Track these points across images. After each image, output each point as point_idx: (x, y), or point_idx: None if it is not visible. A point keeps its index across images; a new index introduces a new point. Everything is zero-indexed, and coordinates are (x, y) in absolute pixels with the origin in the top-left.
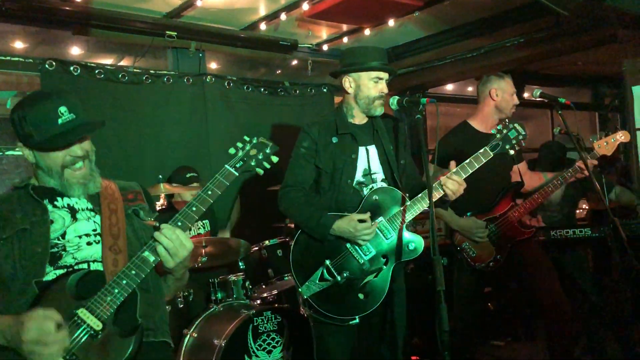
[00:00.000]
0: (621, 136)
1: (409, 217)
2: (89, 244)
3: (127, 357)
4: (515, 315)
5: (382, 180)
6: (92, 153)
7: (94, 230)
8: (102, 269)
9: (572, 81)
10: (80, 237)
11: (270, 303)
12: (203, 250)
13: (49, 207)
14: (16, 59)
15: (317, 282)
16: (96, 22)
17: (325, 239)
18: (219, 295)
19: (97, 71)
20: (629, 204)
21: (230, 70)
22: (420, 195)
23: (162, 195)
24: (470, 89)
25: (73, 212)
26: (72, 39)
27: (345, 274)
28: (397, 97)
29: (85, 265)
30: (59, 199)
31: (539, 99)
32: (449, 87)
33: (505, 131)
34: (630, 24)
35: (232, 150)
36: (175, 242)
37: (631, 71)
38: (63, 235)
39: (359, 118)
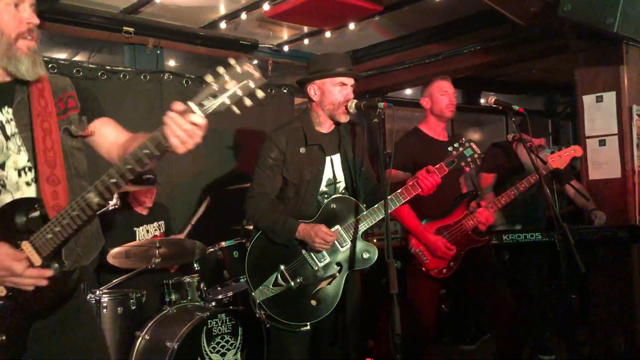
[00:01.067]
0: (574, 150)
1: (365, 226)
2: (28, 184)
3: (61, 294)
4: (468, 318)
5: (343, 189)
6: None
7: (28, 161)
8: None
9: (527, 89)
10: (19, 173)
11: (225, 305)
12: (157, 251)
13: None
14: None
15: (271, 286)
16: (50, 15)
17: (290, 242)
18: (173, 296)
19: (50, 65)
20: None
21: (188, 69)
22: (376, 206)
23: (116, 194)
24: None
25: (5, 136)
26: None
27: (299, 280)
28: (355, 101)
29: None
30: None
31: (494, 105)
32: (408, 92)
33: (461, 149)
34: (583, 34)
35: (208, 78)
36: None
37: (582, 81)
38: (2, 166)
39: (326, 125)
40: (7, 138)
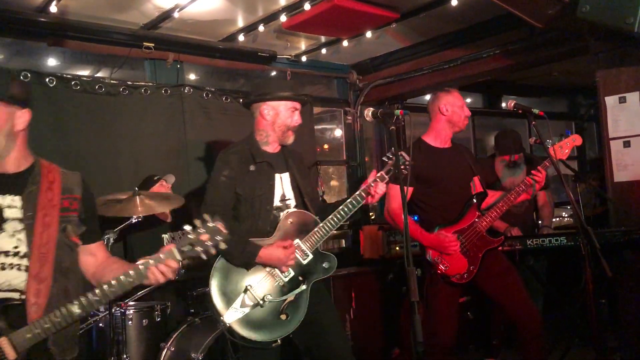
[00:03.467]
0: (574, 140)
1: (322, 238)
2: (3, 268)
3: None
4: (494, 324)
5: (295, 206)
6: (8, 125)
7: (16, 248)
8: (15, 297)
9: (548, 91)
10: None
11: None
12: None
13: None
14: None
15: (240, 307)
16: (72, 33)
17: (249, 267)
18: (197, 307)
19: (73, 82)
20: None
21: (208, 82)
22: (329, 217)
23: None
24: None
25: (1, 219)
26: (48, 50)
27: (267, 297)
28: (372, 109)
29: (9, 295)
30: None
31: (514, 109)
32: (427, 98)
33: (394, 158)
34: (603, 35)
35: (187, 227)
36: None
37: (604, 82)
38: None
39: (272, 146)
40: (3, 221)
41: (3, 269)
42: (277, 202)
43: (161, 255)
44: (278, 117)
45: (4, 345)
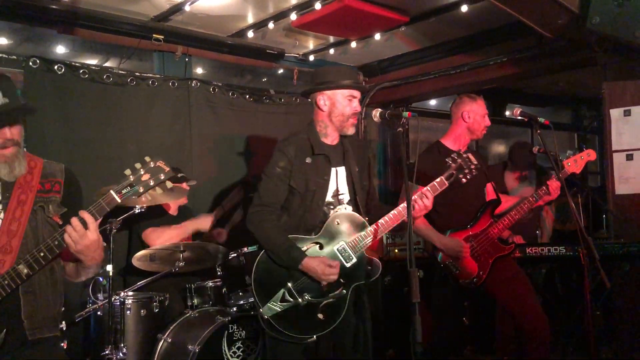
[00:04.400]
0: (589, 154)
1: (368, 242)
2: None
3: None
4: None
5: (348, 202)
6: (22, 140)
7: (1, 217)
8: None
9: (553, 101)
10: None
11: (247, 310)
12: (181, 255)
13: None
14: None
15: (279, 302)
16: (83, 21)
17: (291, 268)
18: (195, 300)
19: (81, 71)
20: None
21: (216, 76)
22: (380, 221)
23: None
24: None
25: None
26: (57, 38)
27: (306, 297)
28: (380, 110)
29: None
30: None
31: (519, 117)
32: (432, 102)
33: (459, 161)
34: (610, 48)
35: (127, 171)
36: (80, 232)
37: (610, 94)
38: None
39: (331, 137)
40: None
41: None
42: (329, 198)
43: (101, 201)
44: (335, 107)
45: None
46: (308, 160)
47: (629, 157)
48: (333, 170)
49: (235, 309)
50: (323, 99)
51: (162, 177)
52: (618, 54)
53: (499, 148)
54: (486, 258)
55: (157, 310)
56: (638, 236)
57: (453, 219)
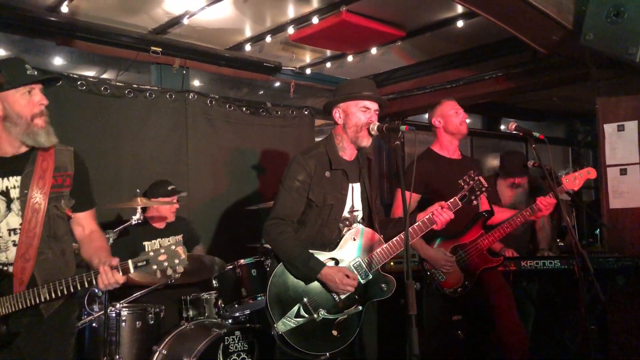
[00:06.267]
0: (589, 172)
1: (384, 259)
2: (15, 244)
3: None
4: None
5: (362, 219)
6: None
7: (21, 224)
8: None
9: (547, 116)
10: (9, 233)
11: (242, 323)
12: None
13: None
14: None
15: (293, 318)
16: (81, 34)
17: (308, 282)
18: (191, 312)
19: (79, 82)
20: None
21: (213, 89)
22: (395, 239)
23: (139, 209)
24: None
25: (8, 199)
26: (55, 49)
27: (321, 312)
28: (377, 124)
29: (7, 267)
30: None
31: (514, 132)
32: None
33: (471, 183)
34: (604, 64)
35: (147, 247)
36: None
37: (604, 109)
38: None
39: (349, 152)
40: (10, 201)
41: (15, 245)
42: (345, 213)
43: (114, 264)
44: (348, 119)
45: None
46: (327, 174)
47: (623, 172)
48: (350, 186)
49: (230, 321)
50: (338, 111)
51: (177, 262)
52: (611, 70)
53: (494, 162)
54: (473, 269)
55: (152, 322)
56: (632, 250)
57: (445, 227)
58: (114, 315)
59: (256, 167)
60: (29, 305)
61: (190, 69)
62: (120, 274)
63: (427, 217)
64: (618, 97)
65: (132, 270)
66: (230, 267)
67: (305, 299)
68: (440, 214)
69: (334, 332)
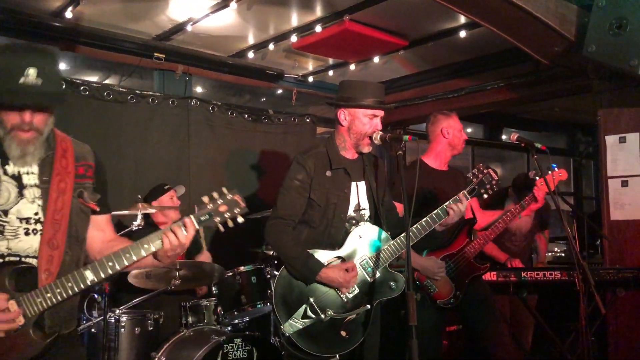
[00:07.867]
0: (560, 174)
1: (392, 256)
2: (27, 234)
3: (32, 356)
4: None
5: (369, 217)
6: (47, 129)
7: (36, 214)
8: (35, 264)
9: (549, 126)
10: (20, 221)
11: (242, 330)
12: (177, 273)
13: None
14: None
15: (300, 319)
16: (85, 39)
17: (308, 283)
18: (190, 319)
19: (82, 87)
20: None
21: (215, 96)
22: (403, 235)
23: (140, 215)
24: None
25: (20, 185)
26: (59, 55)
27: (329, 312)
28: (380, 133)
29: (16, 258)
30: (10, 163)
31: (516, 142)
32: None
33: (480, 176)
34: (606, 75)
35: (205, 199)
36: (181, 238)
37: (605, 121)
38: (5, 212)
39: (351, 152)
40: (22, 187)
41: (27, 234)
42: (351, 212)
43: (178, 222)
44: (354, 124)
45: (12, 309)
46: (328, 173)
47: (624, 184)
48: (353, 184)
49: (230, 328)
50: (344, 113)
51: (237, 211)
52: (613, 81)
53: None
54: (462, 278)
55: (151, 328)
56: (633, 262)
57: (430, 239)
58: (113, 321)
59: (257, 174)
60: (70, 294)
61: (192, 75)
62: (184, 232)
63: (434, 212)
64: (620, 109)
65: (197, 226)
66: (230, 273)
67: (311, 299)
68: (454, 204)
69: (343, 333)
